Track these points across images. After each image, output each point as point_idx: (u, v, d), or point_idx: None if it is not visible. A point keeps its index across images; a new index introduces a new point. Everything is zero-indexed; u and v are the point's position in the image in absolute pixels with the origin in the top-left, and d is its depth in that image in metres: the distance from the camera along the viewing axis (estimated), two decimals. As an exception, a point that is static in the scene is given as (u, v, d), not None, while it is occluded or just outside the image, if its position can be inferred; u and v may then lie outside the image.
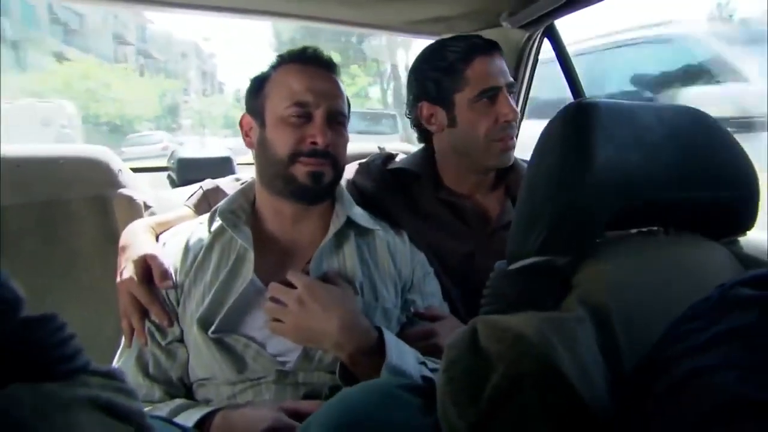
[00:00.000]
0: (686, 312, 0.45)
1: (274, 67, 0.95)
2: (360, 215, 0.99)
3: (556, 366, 0.45)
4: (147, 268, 0.89)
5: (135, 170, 1.36)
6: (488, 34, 1.45)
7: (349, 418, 0.57)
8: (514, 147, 1.11)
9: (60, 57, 15.81)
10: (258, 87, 0.95)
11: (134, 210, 1.19)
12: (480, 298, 0.71)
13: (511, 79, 1.09)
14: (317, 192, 0.92)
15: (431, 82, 1.11)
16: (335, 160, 0.92)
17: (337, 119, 0.93)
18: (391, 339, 0.83)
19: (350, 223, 0.96)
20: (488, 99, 1.06)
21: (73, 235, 1.14)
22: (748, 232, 0.66)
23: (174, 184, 1.70)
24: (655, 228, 0.63)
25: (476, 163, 1.12)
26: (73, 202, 1.15)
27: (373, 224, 1.01)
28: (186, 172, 1.70)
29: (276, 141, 0.90)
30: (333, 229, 0.94)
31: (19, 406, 0.25)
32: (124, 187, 1.20)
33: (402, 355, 0.81)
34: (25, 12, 15.26)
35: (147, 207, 1.22)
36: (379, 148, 1.66)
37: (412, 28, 1.52)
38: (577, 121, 0.57)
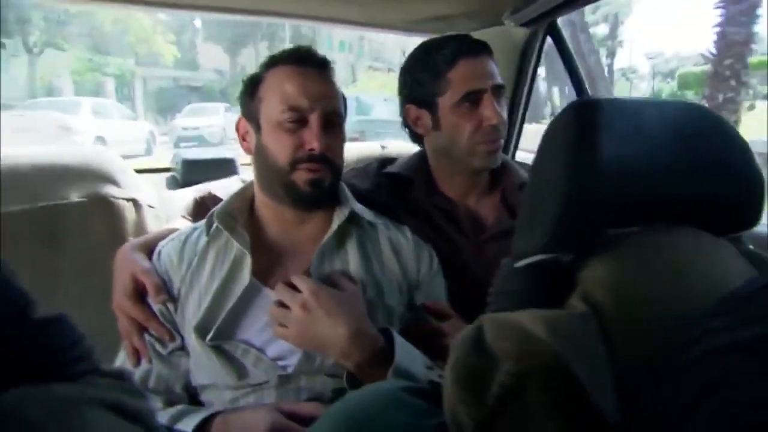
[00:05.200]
0: (712, 308, 0.45)
1: (267, 68, 0.94)
2: (362, 209, 0.99)
3: (563, 363, 0.45)
4: (139, 284, 0.88)
5: (138, 171, 1.36)
6: (491, 32, 1.45)
7: (352, 422, 0.57)
8: (500, 149, 1.09)
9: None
10: (252, 90, 0.94)
11: (138, 211, 1.19)
12: (473, 305, 0.71)
13: (499, 81, 1.07)
14: (318, 198, 0.91)
15: (417, 85, 1.10)
16: (333, 163, 0.91)
17: (332, 120, 0.92)
18: (400, 342, 0.81)
19: (352, 220, 0.95)
20: (471, 103, 1.04)
21: (77, 239, 1.14)
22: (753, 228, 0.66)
23: (177, 185, 1.71)
24: (661, 224, 0.63)
25: (462, 165, 1.11)
26: (76, 205, 1.15)
27: (375, 219, 1.00)
28: (190, 173, 1.71)
29: (273, 148, 0.89)
30: (337, 221, 0.93)
31: (31, 405, 0.25)
32: (127, 188, 1.20)
33: (410, 359, 0.80)
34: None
35: (151, 208, 1.22)
36: (382, 146, 1.66)
37: (414, 26, 1.52)
38: (581, 119, 0.57)
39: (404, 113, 1.16)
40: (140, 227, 1.18)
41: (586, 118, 0.56)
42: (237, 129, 0.97)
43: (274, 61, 0.94)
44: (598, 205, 0.55)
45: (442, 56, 1.07)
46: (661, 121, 0.60)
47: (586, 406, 0.44)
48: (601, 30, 19.18)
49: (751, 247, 0.65)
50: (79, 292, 1.11)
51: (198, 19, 19.31)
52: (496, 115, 1.03)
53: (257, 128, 0.92)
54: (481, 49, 1.08)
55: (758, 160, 0.63)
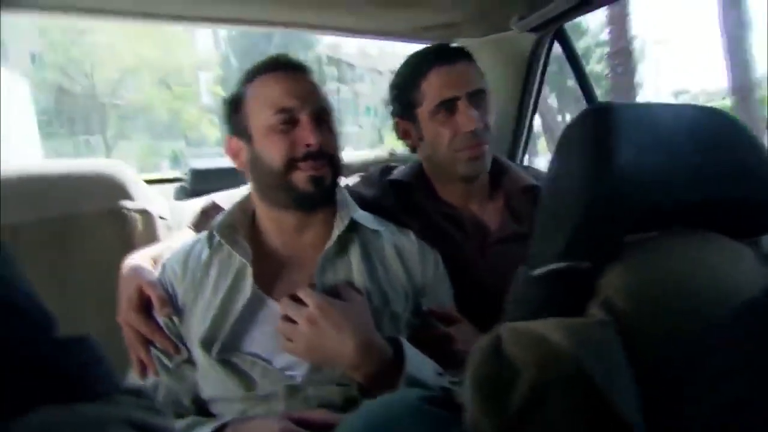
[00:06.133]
0: (725, 319, 0.44)
1: (247, 83, 0.93)
2: (364, 216, 0.97)
3: (583, 371, 0.44)
4: (144, 297, 0.88)
5: (148, 182, 1.36)
6: (498, 38, 1.45)
7: None
8: (483, 154, 1.08)
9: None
10: (236, 106, 0.93)
11: (149, 222, 1.19)
12: (479, 310, 0.68)
13: (477, 87, 1.06)
14: (319, 197, 0.90)
15: (400, 98, 1.12)
16: (332, 158, 0.91)
17: (323, 118, 0.91)
18: (409, 350, 0.81)
19: (354, 226, 0.94)
20: (446, 111, 1.05)
21: (90, 250, 1.14)
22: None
23: (186, 194, 1.71)
24: (679, 229, 0.63)
25: (449, 172, 1.11)
26: (88, 216, 1.15)
27: (378, 225, 0.98)
28: (199, 182, 1.71)
29: (268, 152, 0.88)
30: (336, 231, 0.92)
31: (56, 426, 0.24)
32: (138, 199, 1.20)
33: (420, 367, 0.80)
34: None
35: (162, 219, 1.23)
36: (390, 153, 1.66)
37: (422, 35, 1.52)
38: (596, 125, 0.56)
39: (395, 127, 1.17)
40: (151, 238, 1.19)
41: (603, 123, 0.56)
42: (227, 149, 0.96)
43: (251, 75, 0.93)
44: (616, 211, 0.55)
45: (417, 67, 1.07)
46: (677, 124, 0.59)
47: (609, 415, 0.44)
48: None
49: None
50: (90, 306, 1.11)
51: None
52: (470, 121, 1.03)
53: (248, 140, 0.91)
54: (456, 55, 1.07)
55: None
